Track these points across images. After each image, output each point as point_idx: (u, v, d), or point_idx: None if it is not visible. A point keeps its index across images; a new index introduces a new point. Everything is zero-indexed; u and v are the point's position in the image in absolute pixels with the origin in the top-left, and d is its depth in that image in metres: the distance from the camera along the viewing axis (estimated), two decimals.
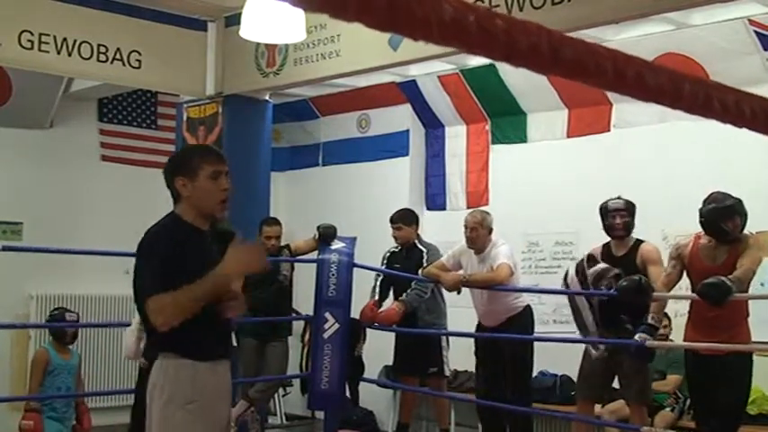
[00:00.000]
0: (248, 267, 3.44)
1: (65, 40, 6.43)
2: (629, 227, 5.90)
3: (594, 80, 1.07)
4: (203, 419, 3.30)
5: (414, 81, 8.76)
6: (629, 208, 5.91)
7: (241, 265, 3.33)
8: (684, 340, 5.60)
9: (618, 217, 5.87)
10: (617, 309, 5.69)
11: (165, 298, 3.13)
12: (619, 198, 5.95)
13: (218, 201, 3.40)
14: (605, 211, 5.94)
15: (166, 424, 3.28)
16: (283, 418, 9.24)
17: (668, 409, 6.79)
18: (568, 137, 8.08)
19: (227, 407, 3.53)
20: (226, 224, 6.38)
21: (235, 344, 5.52)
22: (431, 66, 8.19)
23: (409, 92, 8.92)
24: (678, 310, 6.34)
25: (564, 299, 7.57)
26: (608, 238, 5.97)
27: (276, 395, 8.49)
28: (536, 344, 6.69)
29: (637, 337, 5.37)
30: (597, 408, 6.36)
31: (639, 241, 5.92)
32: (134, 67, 6.79)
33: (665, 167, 7.38)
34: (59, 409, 6.79)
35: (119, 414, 7.73)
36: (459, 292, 6.61)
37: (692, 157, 7.18)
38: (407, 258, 7.16)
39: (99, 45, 6.59)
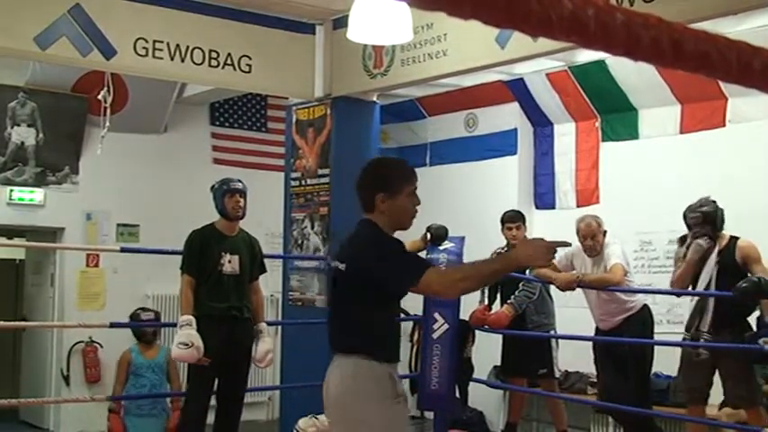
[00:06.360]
0: (536, 261, 3.55)
1: (177, 46, 6.56)
2: (709, 235, 5.77)
3: (719, 73, 1.03)
4: (405, 415, 3.52)
5: (521, 79, 8.67)
6: (708, 217, 5.76)
7: (531, 257, 3.40)
8: None
9: (697, 228, 5.75)
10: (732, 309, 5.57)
11: (459, 269, 3.53)
12: (698, 210, 5.79)
13: (411, 217, 3.60)
14: (685, 221, 5.84)
15: (378, 420, 3.40)
16: None
17: None
18: (682, 133, 7.88)
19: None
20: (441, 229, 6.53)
21: None
22: (539, 63, 8.09)
23: (517, 90, 8.84)
24: None
25: (677, 298, 7.38)
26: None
27: None
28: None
29: (761, 341, 5.24)
30: (715, 411, 6.19)
31: (734, 238, 5.76)
32: (244, 72, 6.90)
33: None
34: (145, 407, 6.99)
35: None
36: (573, 289, 6.46)
37: None
38: None
39: (210, 50, 6.71)
